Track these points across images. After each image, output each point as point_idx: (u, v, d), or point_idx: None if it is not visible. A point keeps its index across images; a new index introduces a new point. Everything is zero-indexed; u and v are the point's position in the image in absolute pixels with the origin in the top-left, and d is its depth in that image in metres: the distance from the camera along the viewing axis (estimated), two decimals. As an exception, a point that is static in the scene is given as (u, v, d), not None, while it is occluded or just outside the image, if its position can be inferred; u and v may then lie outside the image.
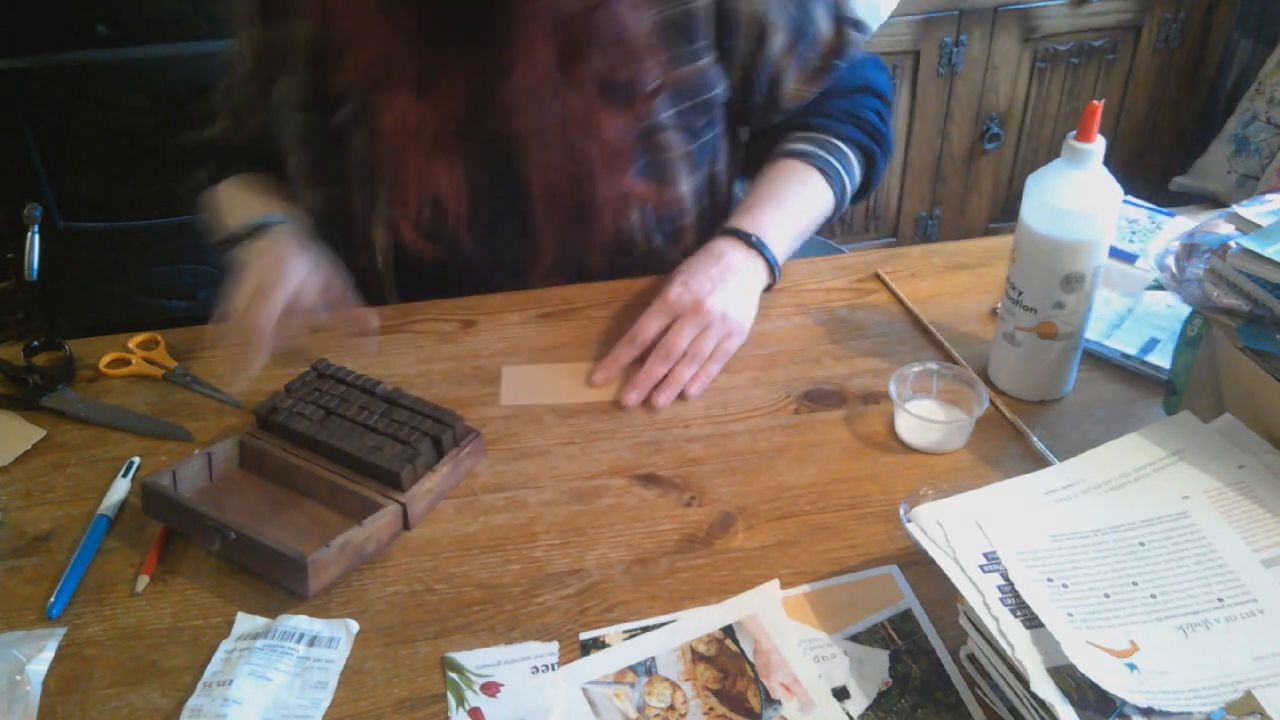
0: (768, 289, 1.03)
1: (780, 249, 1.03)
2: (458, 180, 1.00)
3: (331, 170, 1.03)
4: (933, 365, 0.90)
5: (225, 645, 0.72)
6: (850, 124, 1.11)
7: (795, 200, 1.06)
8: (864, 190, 1.16)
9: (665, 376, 0.93)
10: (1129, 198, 1.07)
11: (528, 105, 0.95)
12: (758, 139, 1.15)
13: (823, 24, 1.06)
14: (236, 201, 1.08)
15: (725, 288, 0.96)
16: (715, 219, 1.10)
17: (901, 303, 1.05)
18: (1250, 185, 2.22)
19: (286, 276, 0.93)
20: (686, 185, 1.06)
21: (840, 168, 1.09)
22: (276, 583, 0.75)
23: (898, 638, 0.71)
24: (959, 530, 0.68)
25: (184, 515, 0.77)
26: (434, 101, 0.94)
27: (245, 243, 1.01)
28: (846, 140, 1.11)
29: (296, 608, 0.74)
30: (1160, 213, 1.15)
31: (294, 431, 0.83)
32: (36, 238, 1.89)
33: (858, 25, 1.09)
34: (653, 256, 1.08)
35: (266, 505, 0.81)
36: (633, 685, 0.69)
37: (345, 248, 1.04)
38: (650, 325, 0.95)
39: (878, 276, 1.09)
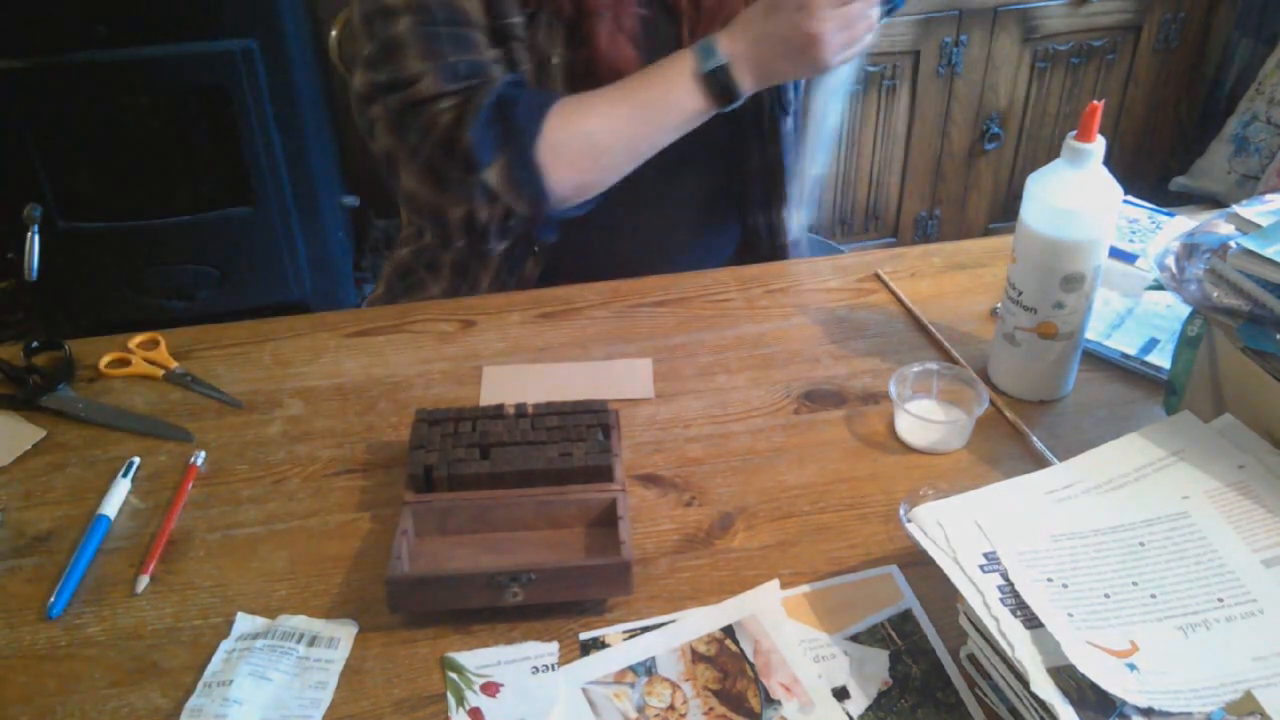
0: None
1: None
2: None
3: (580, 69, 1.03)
4: (933, 365, 0.91)
5: (225, 645, 0.72)
6: None
7: None
8: None
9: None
10: (1129, 198, 1.07)
11: None
12: None
13: None
14: (624, 85, 1.00)
15: None
16: None
17: (901, 303, 1.05)
18: (1250, 185, 2.22)
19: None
20: None
21: None
22: (587, 599, 0.74)
23: (898, 638, 0.71)
24: (959, 530, 0.68)
25: (456, 585, 0.72)
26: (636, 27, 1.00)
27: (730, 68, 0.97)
28: None
29: (298, 608, 0.74)
30: (1160, 213, 1.15)
31: (466, 477, 0.79)
32: (36, 238, 1.89)
33: None
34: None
35: (488, 550, 0.79)
36: (633, 685, 0.69)
37: None
38: None
39: (877, 277, 1.09)
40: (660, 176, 1.05)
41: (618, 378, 0.96)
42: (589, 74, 1.01)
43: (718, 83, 0.97)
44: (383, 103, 0.98)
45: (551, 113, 0.98)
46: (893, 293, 1.07)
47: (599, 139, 0.99)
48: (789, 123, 1.17)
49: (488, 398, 0.93)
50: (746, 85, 0.98)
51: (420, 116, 0.96)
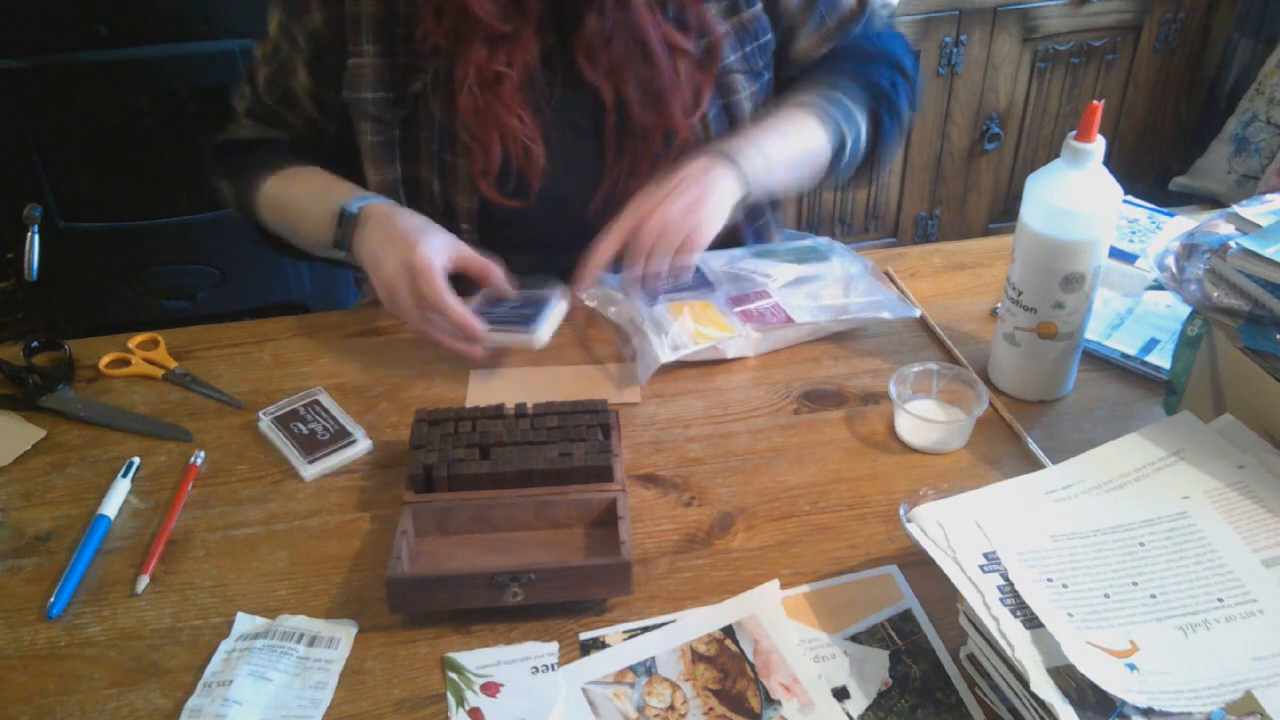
0: (745, 198, 1.00)
1: (754, 163, 0.99)
2: (534, 127, 1.01)
3: (409, 144, 1.04)
4: (933, 365, 0.90)
5: (225, 645, 0.72)
6: (858, 84, 1.09)
7: (778, 128, 1.04)
8: (873, 156, 1.13)
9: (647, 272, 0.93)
10: (1129, 198, 1.07)
11: (602, 49, 0.98)
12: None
13: None
14: (314, 188, 1.05)
15: (682, 193, 0.94)
16: None
17: (908, 300, 1.05)
18: (1250, 185, 2.22)
19: (430, 249, 0.91)
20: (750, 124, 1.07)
21: (838, 116, 1.05)
22: (588, 598, 0.74)
23: (898, 638, 0.71)
24: (959, 530, 0.68)
25: (456, 585, 0.72)
26: (511, 54, 0.97)
27: (356, 226, 0.97)
28: (850, 96, 1.08)
29: (298, 608, 0.74)
30: (1160, 213, 1.15)
31: (466, 478, 0.79)
32: (36, 238, 1.89)
33: None
34: None
35: (488, 550, 0.78)
36: (633, 685, 0.69)
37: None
38: (610, 243, 0.93)
39: (887, 274, 1.09)
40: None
41: (606, 382, 0.95)
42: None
43: (341, 229, 0.98)
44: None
45: (271, 178, 1.07)
46: (901, 290, 1.07)
47: (278, 213, 1.08)
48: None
49: (474, 403, 0.93)
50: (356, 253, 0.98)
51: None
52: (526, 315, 0.96)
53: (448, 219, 1.04)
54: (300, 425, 0.89)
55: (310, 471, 0.85)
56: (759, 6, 1.05)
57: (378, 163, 1.06)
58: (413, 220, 0.95)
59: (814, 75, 1.10)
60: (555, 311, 0.97)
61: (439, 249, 0.92)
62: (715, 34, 1.02)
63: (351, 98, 1.03)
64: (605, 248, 0.93)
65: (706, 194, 0.94)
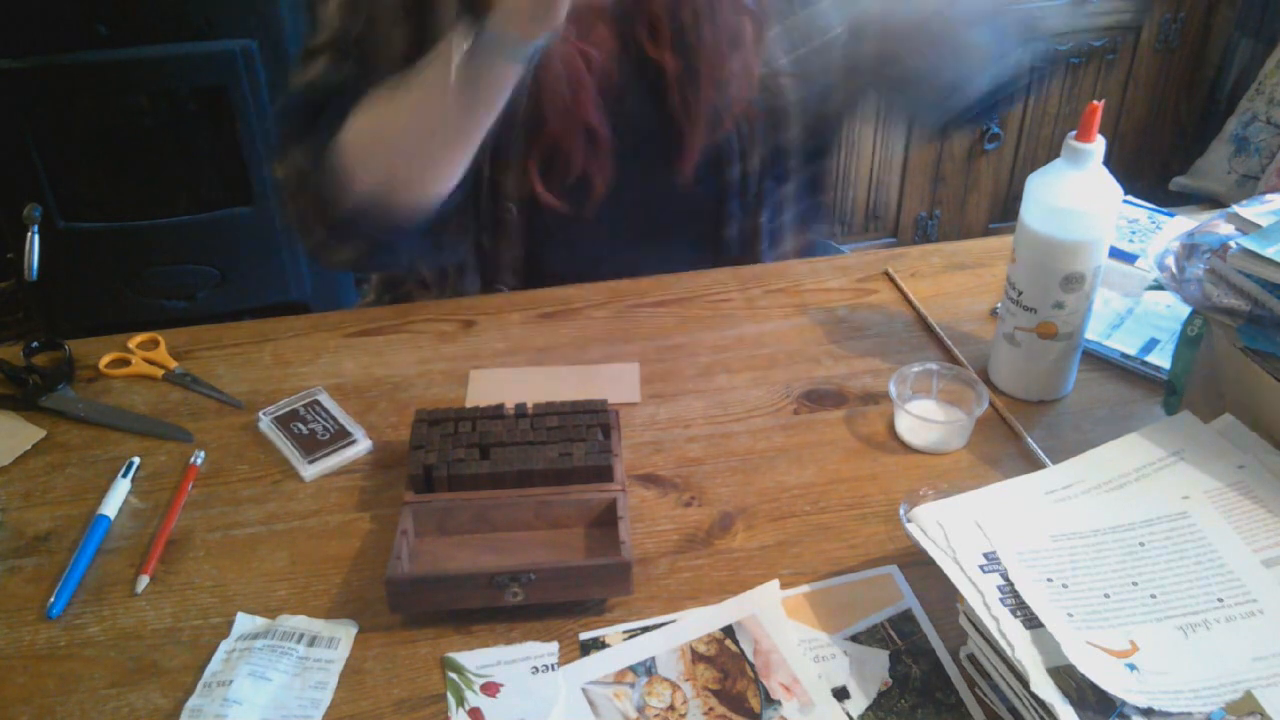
0: None
1: None
2: (607, 133, 0.99)
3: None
4: (933, 365, 0.91)
5: (225, 645, 0.72)
6: None
7: None
8: None
9: None
10: (1129, 198, 1.07)
11: (676, 31, 0.96)
12: None
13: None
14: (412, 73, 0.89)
15: None
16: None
17: (908, 300, 1.05)
18: (1250, 185, 2.22)
19: None
20: (796, 129, 1.06)
21: None
22: (588, 598, 0.74)
23: (898, 638, 0.71)
24: (959, 530, 0.68)
25: (456, 585, 0.72)
26: (595, 41, 0.95)
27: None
28: None
29: (298, 608, 0.74)
30: (1160, 213, 1.15)
31: (465, 478, 0.79)
32: (36, 238, 1.89)
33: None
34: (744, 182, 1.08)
35: (488, 550, 0.78)
36: (633, 685, 0.69)
37: (467, 202, 1.00)
38: None
39: (886, 274, 1.09)
40: (641, 234, 1.04)
41: (605, 382, 0.95)
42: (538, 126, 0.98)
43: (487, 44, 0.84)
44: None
45: (357, 109, 0.91)
46: (900, 290, 1.07)
47: (387, 128, 0.91)
48: (787, 189, 1.13)
49: (474, 403, 0.93)
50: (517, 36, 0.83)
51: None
52: None
53: (492, 199, 1.01)
54: (300, 425, 0.89)
55: (310, 472, 0.85)
56: (822, 5, 1.01)
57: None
58: None
59: None
60: None
61: None
62: (770, 44, 0.99)
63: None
64: None
65: None
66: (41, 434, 0.91)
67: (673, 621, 0.73)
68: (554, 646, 0.71)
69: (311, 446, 0.87)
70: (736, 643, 0.71)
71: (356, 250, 0.98)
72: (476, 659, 0.71)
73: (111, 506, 0.82)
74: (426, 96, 0.88)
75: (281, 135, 0.97)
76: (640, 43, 0.98)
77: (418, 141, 0.90)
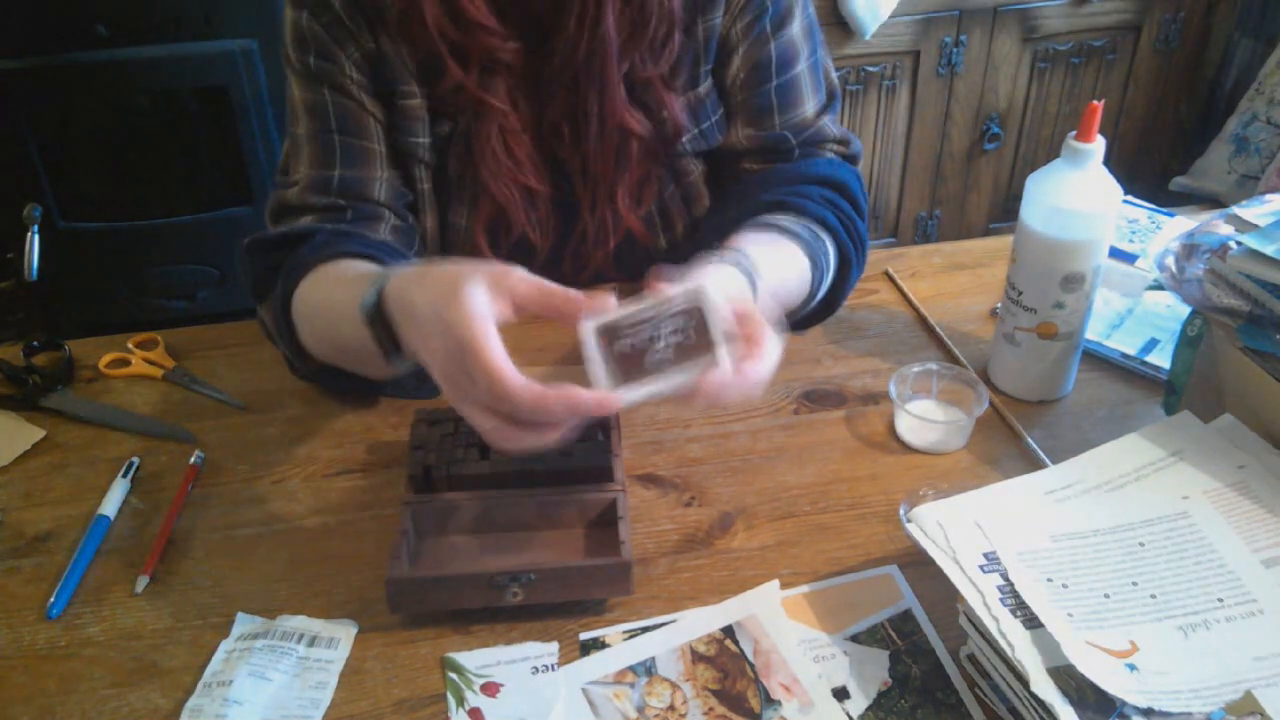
0: None
1: (769, 294, 0.84)
2: (545, 192, 0.98)
3: (443, 189, 0.98)
4: (933, 365, 0.91)
5: (225, 645, 0.72)
6: (830, 213, 0.94)
7: (781, 262, 0.88)
8: (829, 303, 0.97)
9: None
10: (1129, 198, 1.07)
11: (566, 123, 0.95)
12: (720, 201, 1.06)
13: (800, 69, 0.99)
14: (345, 279, 0.80)
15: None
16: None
17: (908, 301, 1.05)
18: (1250, 185, 2.22)
19: (470, 307, 0.64)
20: (703, 207, 1.05)
21: (820, 257, 0.91)
22: (588, 598, 0.74)
23: (898, 638, 0.71)
24: (959, 530, 0.68)
25: (456, 585, 0.72)
26: (531, 104, 0.95)
27: (388, 318, 0.72)
28: (830, 233, 0.94)
29: (298, 608, 0.74)
30: (1160, 213, 1.15)
31: (467, 478, 0.79)
32: (36, 238, 1.89)
33: (832, 100, 1.02)
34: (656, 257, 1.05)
35: (488, 550, 0.78)
36: (633, 685, 0.69)
37: None
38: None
39: (887, 275, 1.09)
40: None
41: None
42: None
43: (378, 324, 0.73)
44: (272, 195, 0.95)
45: (311, 272, 0.84)
46: (900, 290, 1.07)
47: (310, 324, 0.84)
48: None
49: None
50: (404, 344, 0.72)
51: (279, 221, 0.93)
52: (673, 339, 0.66)
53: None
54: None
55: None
56: (710, 83, 0.98)
57: (434, 209, 0.99)
58: (438, 281, 0.67)
59: (779, 194, 0.95)
60: (714, 315, 0.66)
61: (481, 301, 0.64)
62: (678, 119, 0.95)
63: (405, 142, 0.95)
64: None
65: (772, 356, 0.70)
66: (41, 434, 0.91)
67: (673, 621, 0.73)
68: (554, 646, 0.71)
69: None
70: (736, 643, 0.71)
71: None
72: (476, 659, 0.71)
73: (111, 506, 0.82)
74: (327, 330, 0.82)
75: (252, 277, 0.90)
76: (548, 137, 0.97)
77: (329, 352, 0.85)
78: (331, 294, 0.81)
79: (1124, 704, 0.58)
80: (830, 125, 1.01)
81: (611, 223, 1.00)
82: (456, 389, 0.66)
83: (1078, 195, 0.82)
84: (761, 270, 0.80)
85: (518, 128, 0.95)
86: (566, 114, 0.95)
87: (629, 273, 1.03)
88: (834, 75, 1.03)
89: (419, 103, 0.94)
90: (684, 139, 0.98)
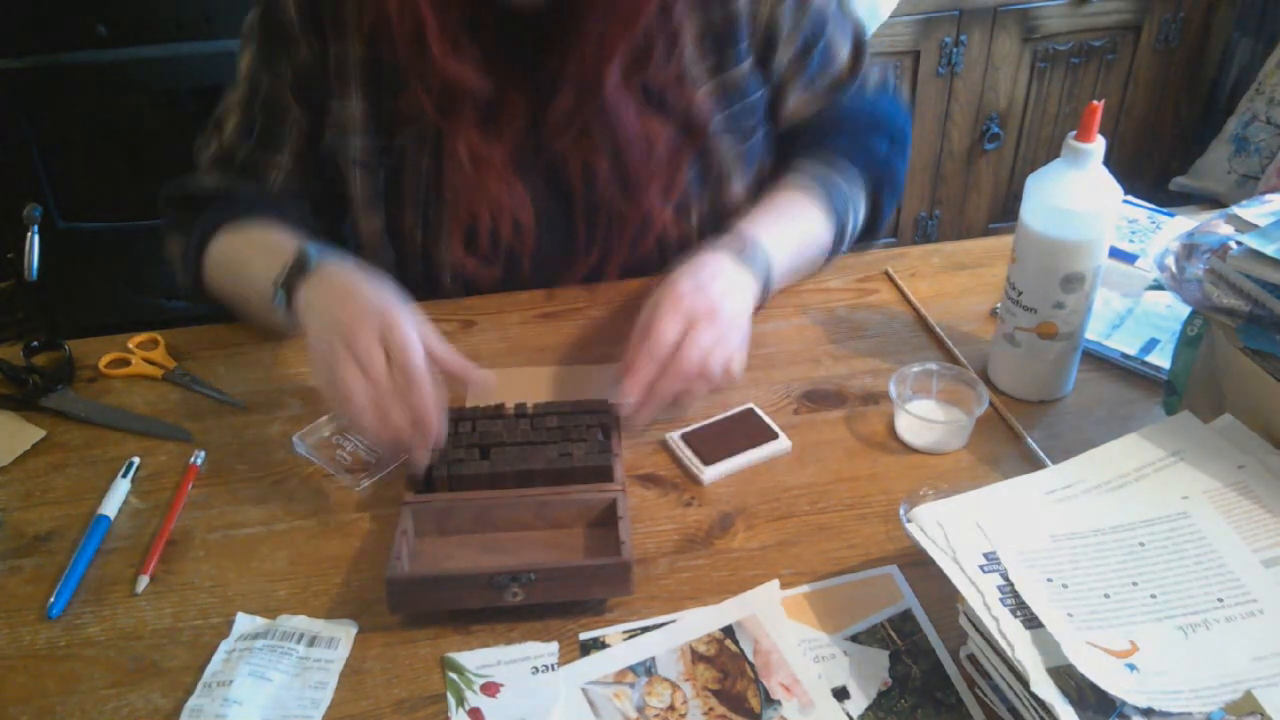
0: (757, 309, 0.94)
1: (770, 266, 0.94)
2: (524, 199, 0.99)
3: (394, 189, 1.01)
4: (933, 365, 0.90)
5: (225, 645, 0.72)
6: (857, 163, 1.04)
7: (784, 218, 0.98)
8: (870, 232, 1.09)
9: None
10: (1129, 198, 1.07)
11: (568, 128, 0.96)
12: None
13: (839, 45, 1.05)
14: (260, 246, 0.94)
15: (709, 322, 0.85)
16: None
17: (908, 301, 1.05)
18: (1250, 185, 2.22)
19: (406, 315, 0.79)
20: (739, 185, 1.06)
21: (839, 204, 1.01)
22: (588, 598, 0.74)
23: (898, 638, 0.71)
24: (959, 530, 0.68)
25: (456, 585, 0.72)
26: (501, 124, 0.96)
27: (307, 274, 0.85)
28: (849, 178, 1.03)
29: (298, 608, 0.74)
30: (1160, 213, 1.15)
31: (467, 478, 0.80)
32: (36, 238, 1.89)
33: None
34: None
35: (488, 550, 0.78)
36: (633, 685, 0.69)
37: (398, 271, 1.03)
38: (668, 332, 0.83)
39: (887, 275, 1.09)
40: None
41: (605, 382, 0.95)
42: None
43: (291, 272, 0.86)
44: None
45: (222, 231, 0.98)
46: (900, 290, 1.07)
47: (222, 283, 0.99)
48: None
49: (474, 403, 0.93)
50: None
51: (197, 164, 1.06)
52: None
53: (428, 269, 1.03)
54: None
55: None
56: (747, 64, 1.01)
57: (368, 210, 1.03)
58: (388, 289, 0.82)
59: (810, 149, 1.04)
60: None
61: (413, 321, 0.79)
62: (700, 109, 0.98)
63: (339, 141, 1.00)
64: (635, 383, 0.82)
65: (735, 321, 0.86)
66: (41, 434, 0.91)
67: (673, 621, 0.73)
68: (554, 646, 0.71)
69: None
70: (736, 643, 0.71)
71: None
72: (476, 659, 0.71)
73: (111, 506, 0.82)
74: (242, 269, 0.95)
75: (164, 219, 1.08)
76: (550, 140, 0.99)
77: (234, 297, 0.99)
78: (264, 237, 0.94)
79: (1124, 704, 0.58)
80: (860, 62, 1.08)
81: (645, 222, 1.01)
82: (347, 349, 0.76)
83: (1078, 195, 0.82)
84: (764, 243, 0.93)
85: (484, 155, 0.96)
86: (575, 151, 0.98)
87: (641, 258, 1.05)
88: (851, 6, 1.08)
89: (359, 108, 0.98)
90: (712, 125, 1.01)
